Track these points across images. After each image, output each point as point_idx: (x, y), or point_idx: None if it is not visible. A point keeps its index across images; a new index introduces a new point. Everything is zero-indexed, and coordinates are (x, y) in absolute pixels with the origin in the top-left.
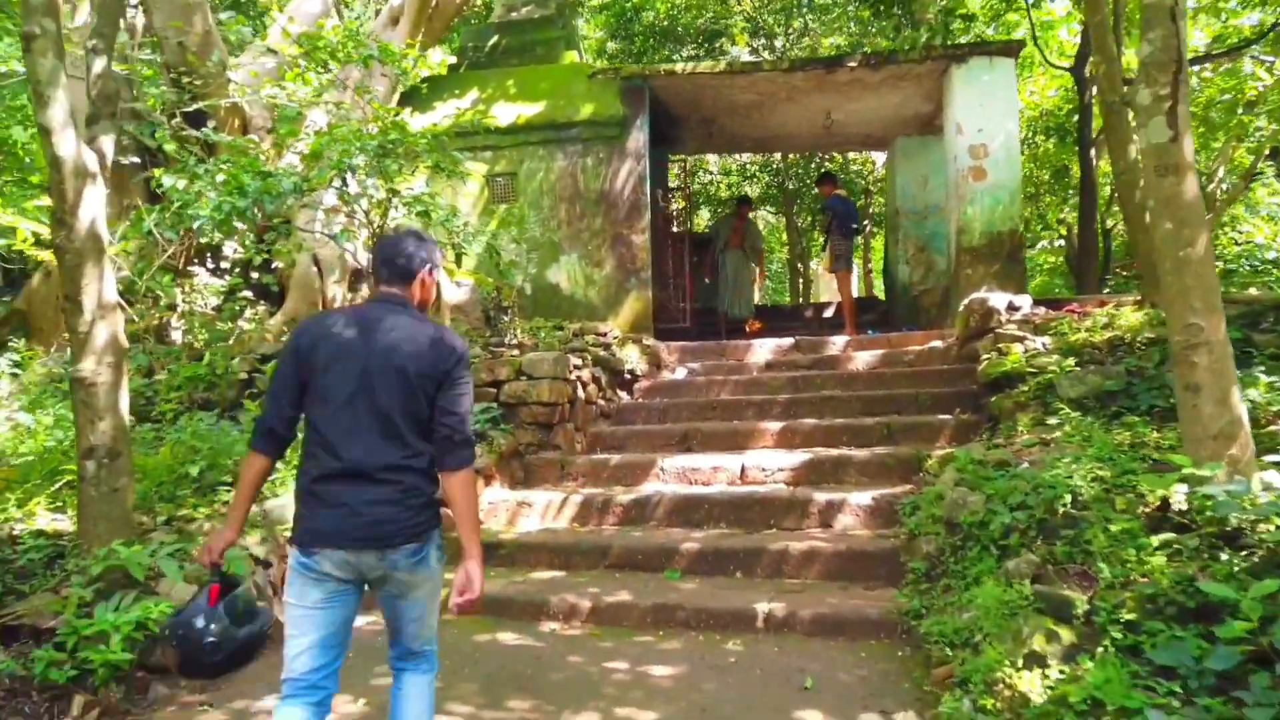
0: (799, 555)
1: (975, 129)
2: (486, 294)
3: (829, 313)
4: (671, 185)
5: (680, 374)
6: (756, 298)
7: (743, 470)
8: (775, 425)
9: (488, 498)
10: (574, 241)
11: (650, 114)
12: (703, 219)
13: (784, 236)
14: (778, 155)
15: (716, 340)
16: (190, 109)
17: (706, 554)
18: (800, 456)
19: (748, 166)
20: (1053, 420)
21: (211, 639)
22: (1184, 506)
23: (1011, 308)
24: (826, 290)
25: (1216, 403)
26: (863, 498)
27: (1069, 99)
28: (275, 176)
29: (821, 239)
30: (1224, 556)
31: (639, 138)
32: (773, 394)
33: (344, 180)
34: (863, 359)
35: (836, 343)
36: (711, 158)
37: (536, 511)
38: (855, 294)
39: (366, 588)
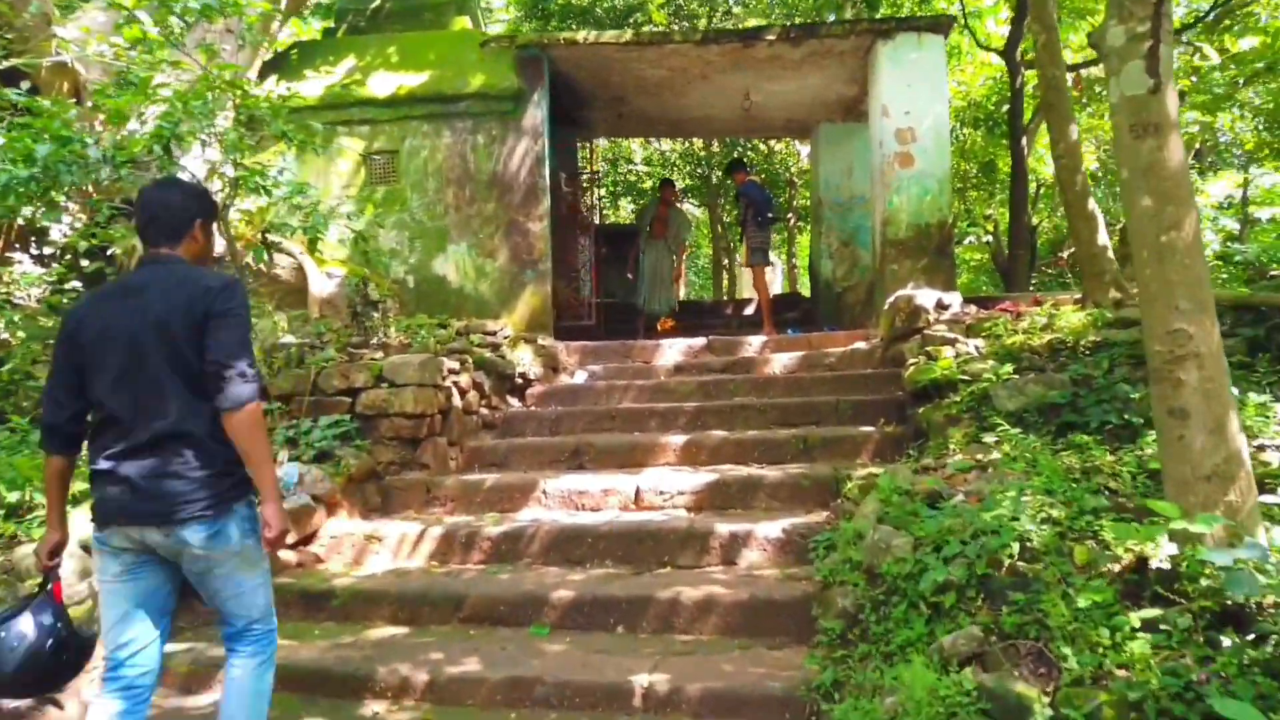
0: (694, 604)
1: (902, 111)
2: (354, 286)
3: (749, 310)
4: (579, 170)
5: (579, 378)
6: (680, 294)
7: (638, 493)
8: (680, 439)
9: (330, 530)
10: (463, 229)
11: (552, 90)
12: (624, 210)
13: (707, 231)
14: (700, 143)
15: (628, 340)
16: (2, 67)
17: (584, 603)
18: (705, 477)
19: (668, 154)
20: (989, 438)
21: (61, 636)
22: (1166, 567)
23: (940, 306)
24: (749, 287)
25: (1209, 433)
26: (772, 529)
27: (998, 89)
28: (76, 142)
29: (739, 232)
30: (1226, 642)
31: (536, 114)
32: (680, 401)
33: (167, 149)
34: (781, 362)
35: (753, 343)
36: (635, 145)
37: (389, 546)
38: (779, 290)
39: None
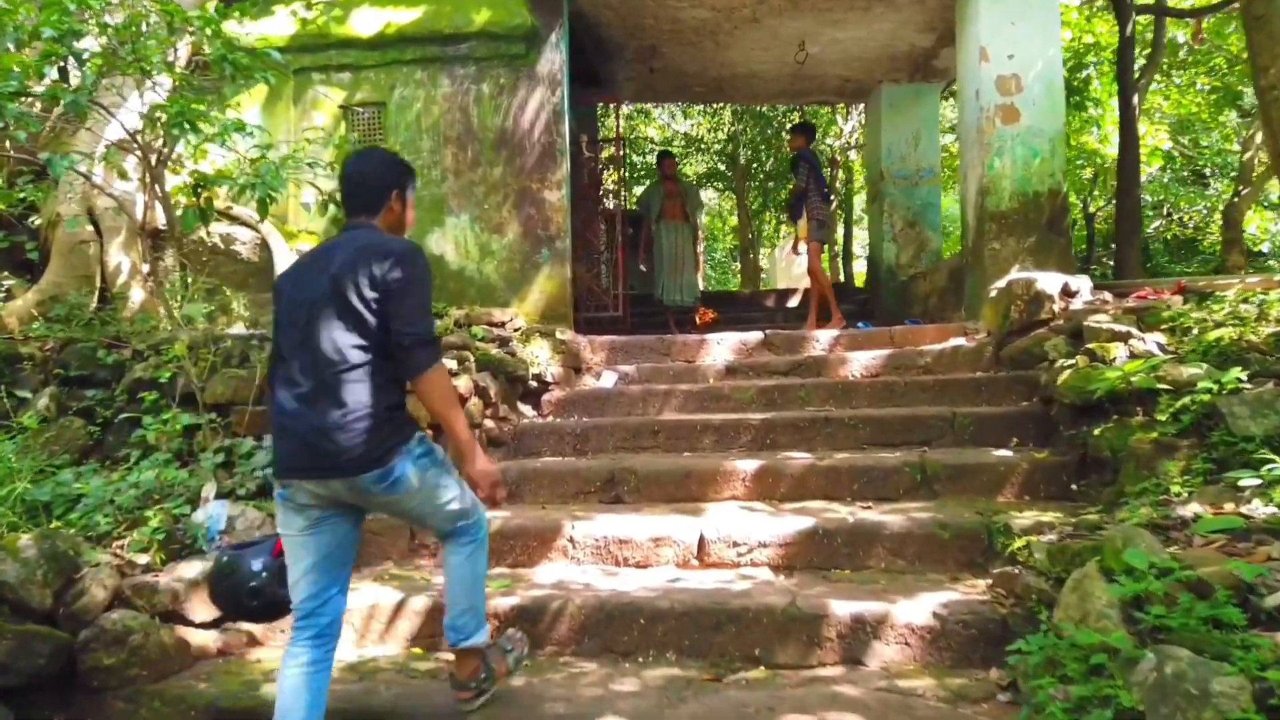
0: None
1: (1005, 55)
2: None
3: (794, 301)
4: (603, 138)
5: (608, 381)
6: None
7: (702, 544)
8: (748, 464)
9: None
10: (465, 198)
11: (572, 37)
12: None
13: (733, 220)
14: (728, 118)
15: (659, 335)
16: None
17: None
18: (793, 522)
19: (690, 133)
20: (1247, 478)
21: (255, 584)
22: None
23: (1067, 293)
24: (784, 277)
25: None
26: (914, 611)
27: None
28: None
29: (786, 209)
30: None
31: (554, 58)
32: (739, 412)
33: (63, 72)
34: (860, 362)
35: (820, 339)
36: (651, 130)
37: (353, 623)
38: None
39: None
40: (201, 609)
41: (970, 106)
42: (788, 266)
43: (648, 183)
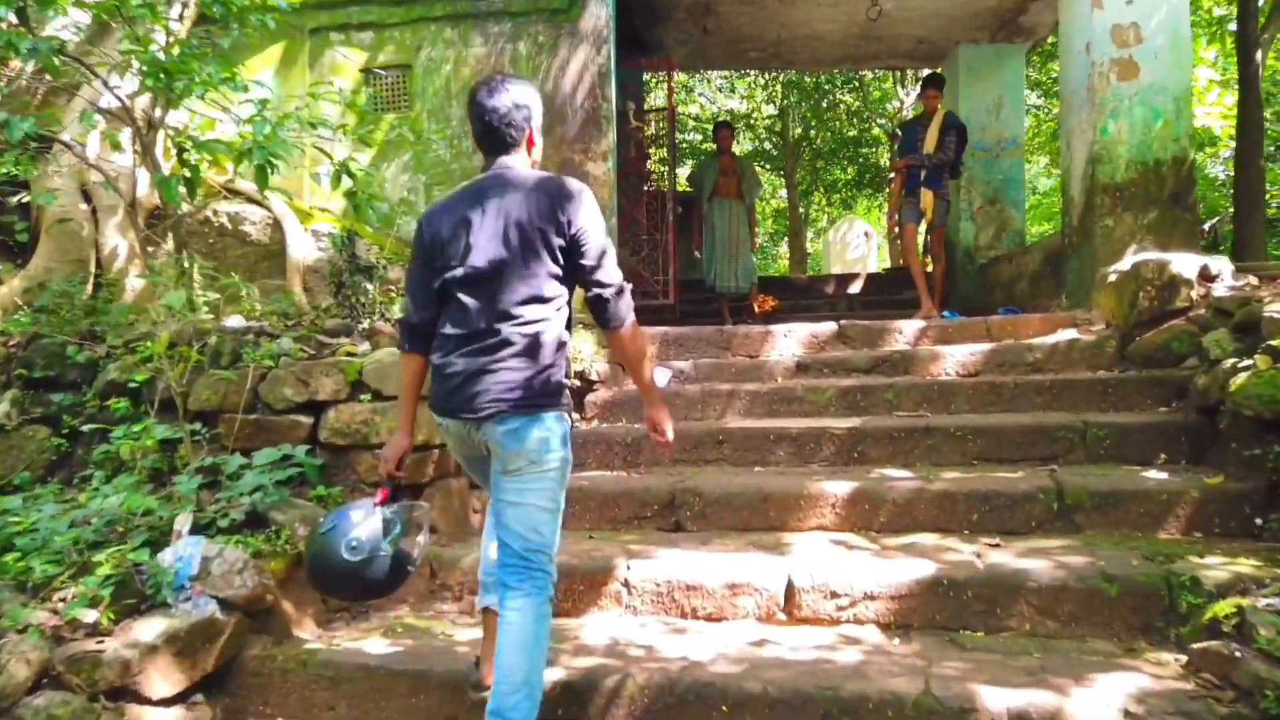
0: None
1: (1121, 1)
2: (339, 244)
3: (856, 287)
4: (652, 108)
5: (661, 379)
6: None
7: (790, 593)
8: (839, 486)
9: (250, 664)
10: None
11: None
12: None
13: (778, 201)
14: (779, 89)
15: (715, 325)
16: None
17: None
18: (904, 565)
19: (737, 109)
20: None
21: (357, 536)
22: None
23: (1206, 276)
24: (838, 261)
25: None
26: (1095, 703)
27: None
28: None
29: (899, 178)
30: None
31: (600, 14)
32: (817, 417)
33: (22, 15)
34: (955, 358)
35: (904, 331)
36: (693, 109)
37: (350, 699)
38: (874, 267)
39: None
40: (162, 682)
41: (1078, 62)
42: (841, 250)
43: (699, 161)
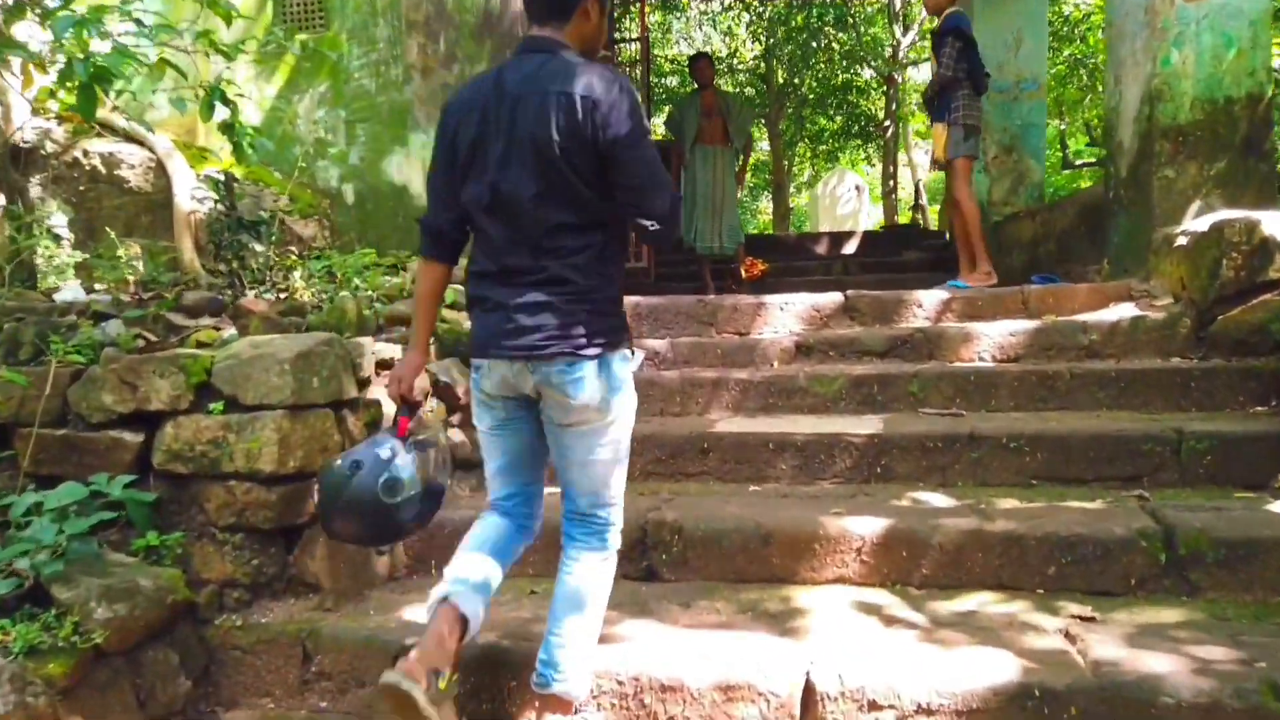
0: None
1: None
2: (218, 193)
3: (851, 247)
4: (622, 38)
5: (630, 364)
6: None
7: (809, 699)
8: (864, 524)
9: None
10: (435, 106)
11: None
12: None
13: (760, 154)
14: (759, 33)
15: (696, 294)
16: None
17: None
18: (967, 655)
19: (718, 50)
20: None
21: (392, 475)
22: None
23: None
24: (826, 218)
25: None
26: None
27: None
28: None
29: (924, 106)
30: None
31: None
32: (826, 414)
33: None
34: (991, 338)
35: (924, 303)
36: (669, 49)
37: None
38: (870, 225)
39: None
40: None
41: None
42: (830, 206)
43: (678, 100)
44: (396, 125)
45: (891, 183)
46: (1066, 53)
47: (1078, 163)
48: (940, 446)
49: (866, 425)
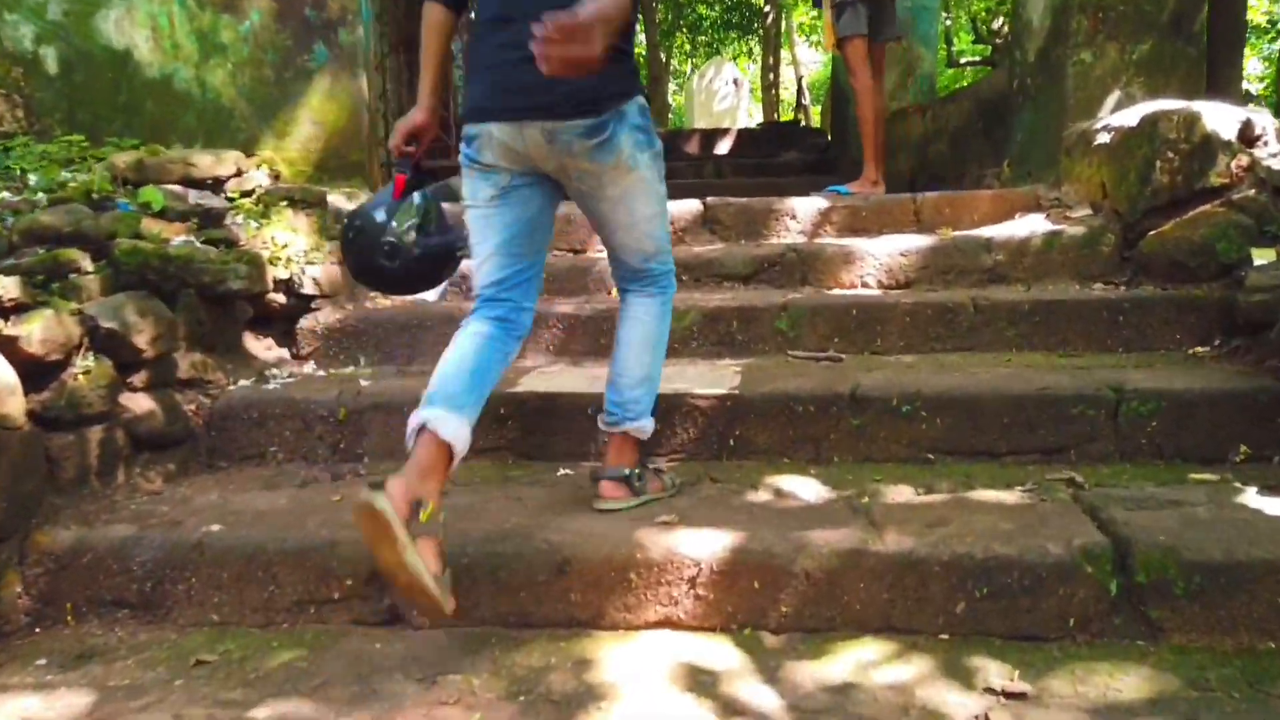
0: None
1: None
2: None
3: (725, 146)
4: None
5: (430, 291)
6: None
7: None
8: (699, 542)
9: None
10: None
11: None
12: None
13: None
14: None
15: None
16: None
17: None
18: None
19: None
20: None
21: (390, 239)
22: None
23: (1247, 137)
24: (703, 115)
25: None
26: None
27: None
28: None
29: None
30: None
31: None
32: (672, 360)
33: None
34: (877, 258)
35: (799, 213)
36: None
37: None
38: (746, 121)
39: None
40: None
41: None
42: (706, 101)
43: None
44: None
45: (772, 76)
46: None
47: (962, 60)
48: (813, 412)
49: (720, 380)
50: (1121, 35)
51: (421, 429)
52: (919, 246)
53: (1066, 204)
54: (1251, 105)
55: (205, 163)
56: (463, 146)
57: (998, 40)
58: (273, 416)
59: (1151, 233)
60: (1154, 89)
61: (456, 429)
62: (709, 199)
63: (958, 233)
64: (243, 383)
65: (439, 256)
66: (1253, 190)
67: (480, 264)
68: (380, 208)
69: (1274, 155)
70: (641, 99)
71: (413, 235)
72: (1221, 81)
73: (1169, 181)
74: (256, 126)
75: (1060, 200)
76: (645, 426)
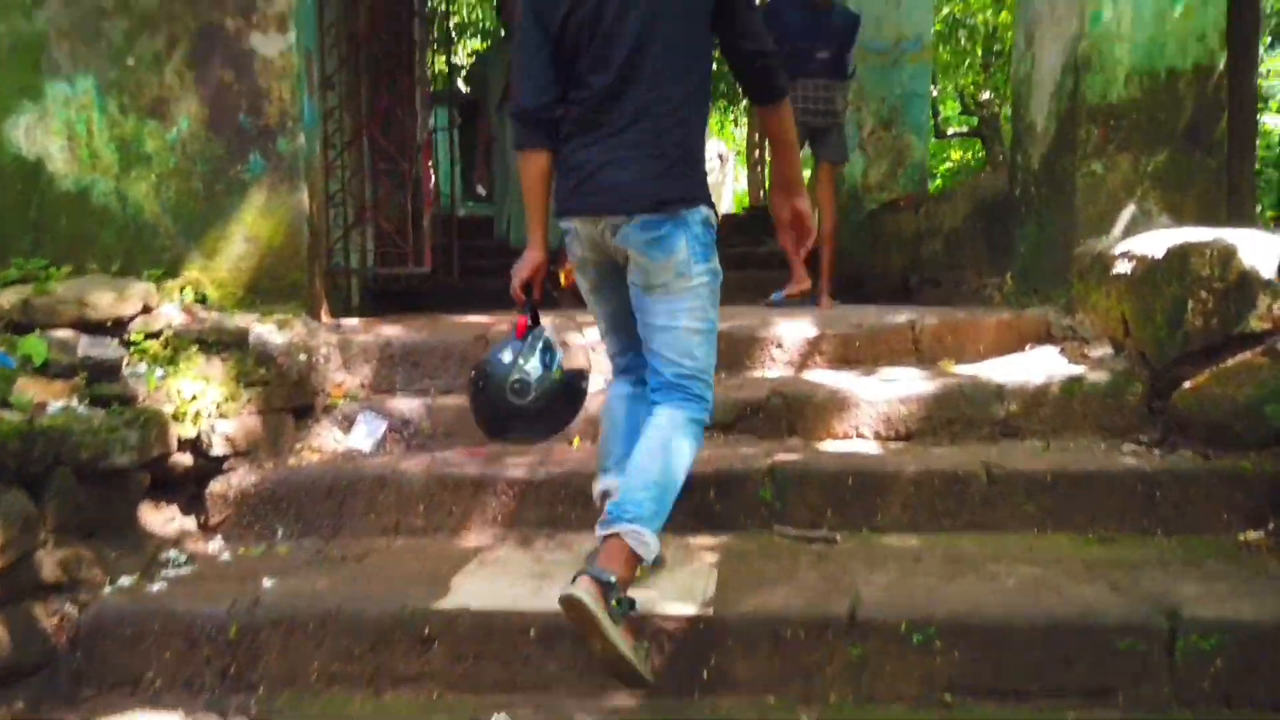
0: None
1: None
2: None
3: None
4: None
5: (362, 436)
6: None
7: None
8: None
9: None
10: (86, 41)
11: None
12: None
13: None
14: None
15: (494, 311)
16: None
17: None
18: None
19: None
20: None
21: (519, 377)
22: None
23: None
24: None
25: None
26: None
27: None
28: None
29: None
30: None
31: None
32: None
33: None
34: (875, 406)
35: (785, 341)
36: None
37: None
38: (744, 198)
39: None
40: None
41: None
42: None
43: (485, 47)
44: (24, 68)
45: (758, 153)
46: (945, 10)
47: (950, 132)
48: (805, 638)
49: (693, 585)
50: (1134, 146)
51: (611, 535)
52: (921, 393)
53: (1082, 335)
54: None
55: (104, 302)
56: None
57: (984, 112)
58: (151, 633)
59: (1186, 384)
60: (1171, 204)
61: (642, 536)
62: None
63: (962, 368)
64: (124, 580)
65: (569, 384)
66: None
67: (603, 338)
68: (504, 350)
69: None
70: (708, 211)
71: (539, 370)
72: (1236, 194)
73: (1202, 325)
74: (182, 245)
75: (1074, 330)
76: (645, 538)
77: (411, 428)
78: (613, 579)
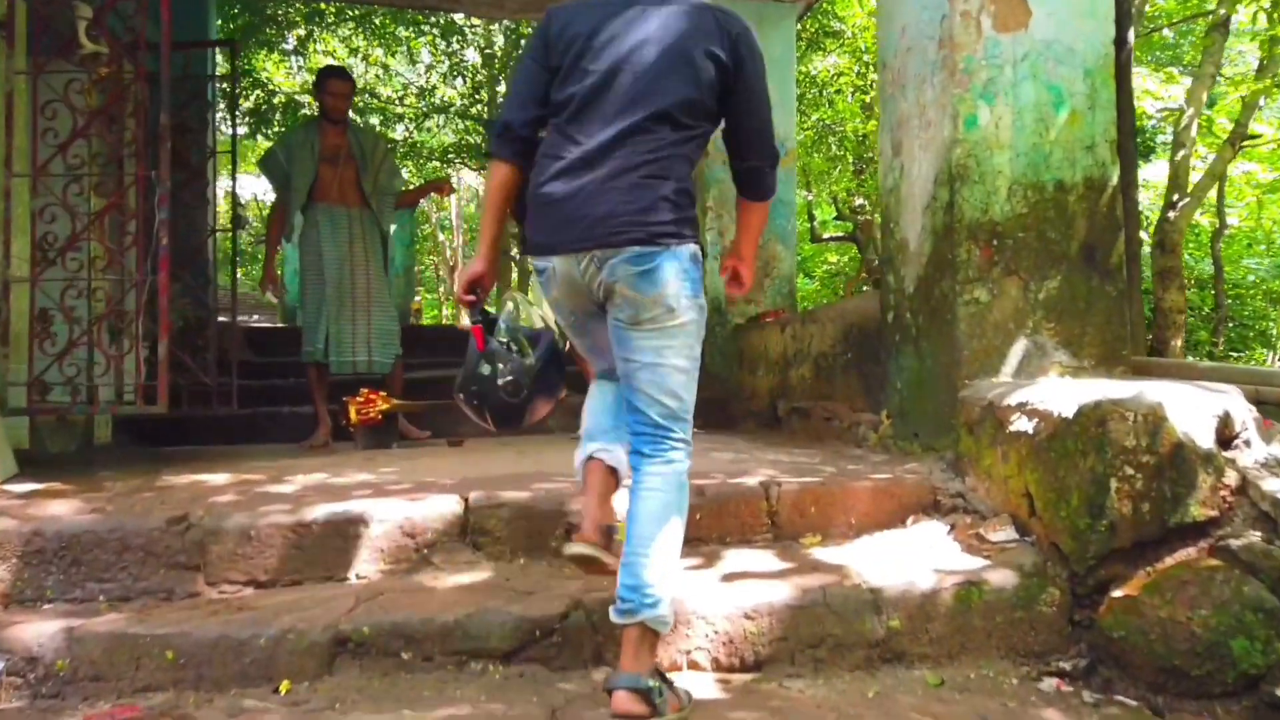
0: None
1: None
2: None
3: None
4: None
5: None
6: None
7: None
8: None
9: None
10: None
11: None
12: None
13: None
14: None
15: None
16: None
17: None
18: None
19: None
20: None
21: (505, 379)
22: None
23: (1226, 434)
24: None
25: None
26: None
27: None
28: None
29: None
30: None
31: None
32: None
33: None
34: (711, 623)
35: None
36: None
37: None
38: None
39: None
40: None
41: (919, 8)
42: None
43: (289, 128)
44: None
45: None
46: (815, 117)
47: (825, 236)
48: None
49: None
50: (1023, 269)
51: (589, 459)
52: (774, 603)
53: (975, 508)
54: (1232, 393)
55: None
56: (534, 272)
57: (859, 217)
58: None
59: (1116, 594)
60: (1068, 337)
61: (619, 455)
62: (473, 494)
63: (829, 551)
64: None
65: (550, 359)
66: (1258, 533)
67: (584, 355)
68: (480, 365)
69: (1263, 464)
70: (696, 248)
71: (518, 363)
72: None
73: (1131, 513)
74: None
75: (965, 500)
76: (665, 617)
77: (42, 670)
78: (649, 684)
